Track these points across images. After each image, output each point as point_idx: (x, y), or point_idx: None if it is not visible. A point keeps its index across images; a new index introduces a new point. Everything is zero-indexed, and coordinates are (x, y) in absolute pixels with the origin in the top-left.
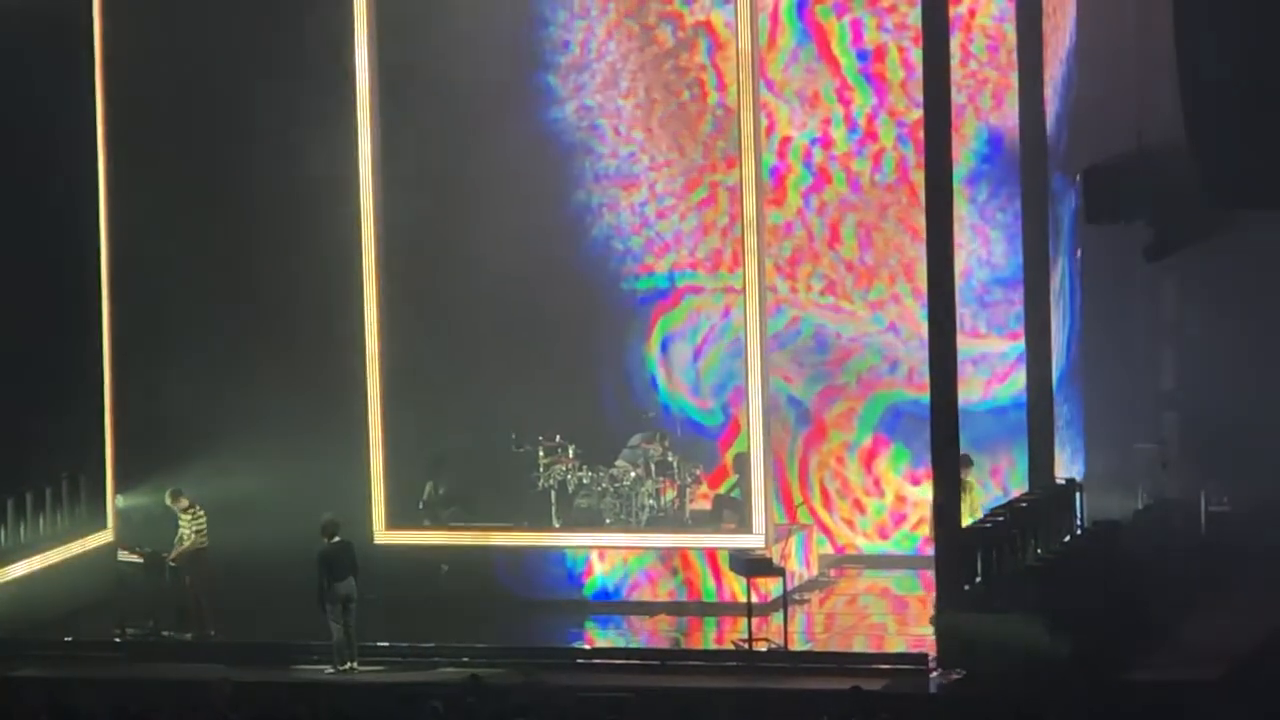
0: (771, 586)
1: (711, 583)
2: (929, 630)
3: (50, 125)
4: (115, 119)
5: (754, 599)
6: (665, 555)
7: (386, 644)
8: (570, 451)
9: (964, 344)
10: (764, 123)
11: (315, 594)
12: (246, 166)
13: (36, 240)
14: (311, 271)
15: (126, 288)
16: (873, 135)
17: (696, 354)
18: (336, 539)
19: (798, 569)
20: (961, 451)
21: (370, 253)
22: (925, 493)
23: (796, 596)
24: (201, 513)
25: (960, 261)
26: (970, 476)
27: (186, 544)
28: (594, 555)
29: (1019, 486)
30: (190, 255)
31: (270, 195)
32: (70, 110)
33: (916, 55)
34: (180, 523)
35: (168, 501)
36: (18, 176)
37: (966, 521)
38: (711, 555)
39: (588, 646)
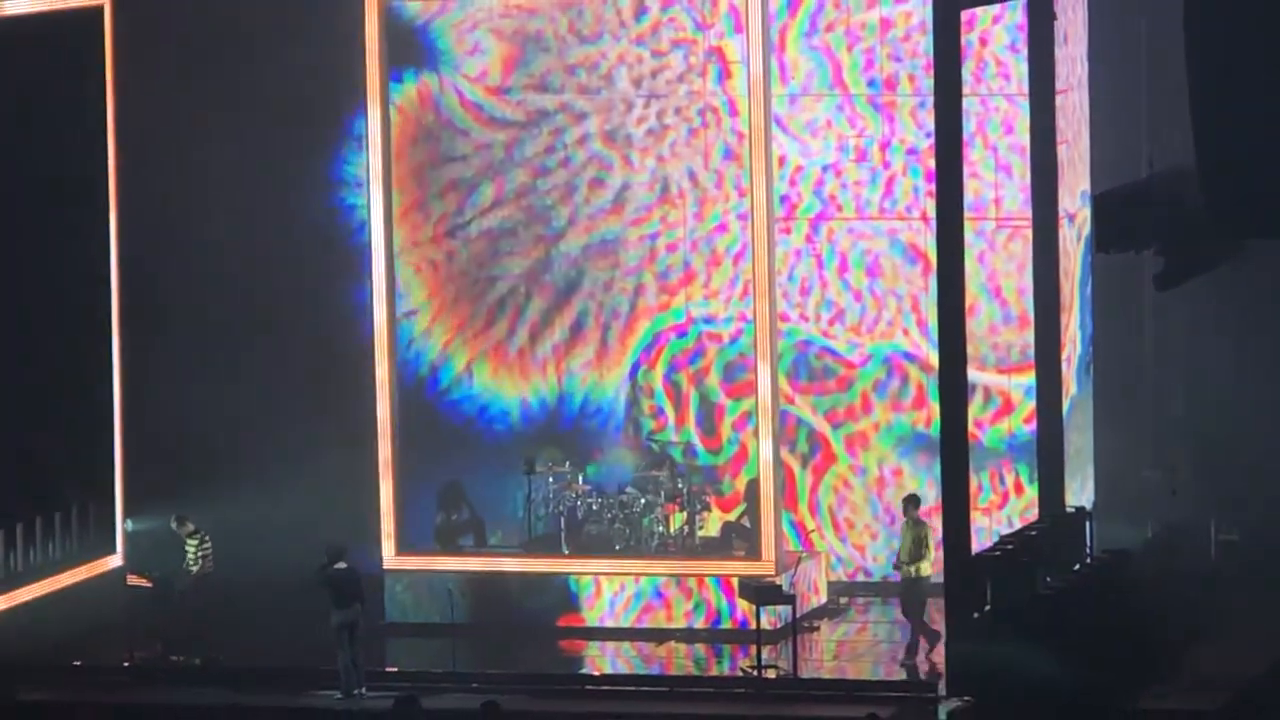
0: (780, 613)
1: (725, 608)
2: (938, 657)
3: (62, 149)
4: (126, 141)
5: (764, 625)
6: (679, 581)
7: (395, 670)
8: (580, 478)
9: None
10: (776, 151)
11: (324, 618)
12: (256, 191)
13: (47, 266)
14: (323, 297)
15: (138, 313)
16: (884, 163)
17: (705, 380)
18: (342, 564)
19: (806, 593)
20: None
21: (381, 278)
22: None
23: (806, 623)
24: (206, 537)
25: (970, 293)
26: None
27: (195, 569)
28: (603, 581)
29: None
30: (201, 280)
31: (281, 221)
32: (82, 135)
33: (927, 83)
34: (186, 548)
35: (173, 526)
36: (29, 206)
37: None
38: (726, 581)
39: (596, 673)
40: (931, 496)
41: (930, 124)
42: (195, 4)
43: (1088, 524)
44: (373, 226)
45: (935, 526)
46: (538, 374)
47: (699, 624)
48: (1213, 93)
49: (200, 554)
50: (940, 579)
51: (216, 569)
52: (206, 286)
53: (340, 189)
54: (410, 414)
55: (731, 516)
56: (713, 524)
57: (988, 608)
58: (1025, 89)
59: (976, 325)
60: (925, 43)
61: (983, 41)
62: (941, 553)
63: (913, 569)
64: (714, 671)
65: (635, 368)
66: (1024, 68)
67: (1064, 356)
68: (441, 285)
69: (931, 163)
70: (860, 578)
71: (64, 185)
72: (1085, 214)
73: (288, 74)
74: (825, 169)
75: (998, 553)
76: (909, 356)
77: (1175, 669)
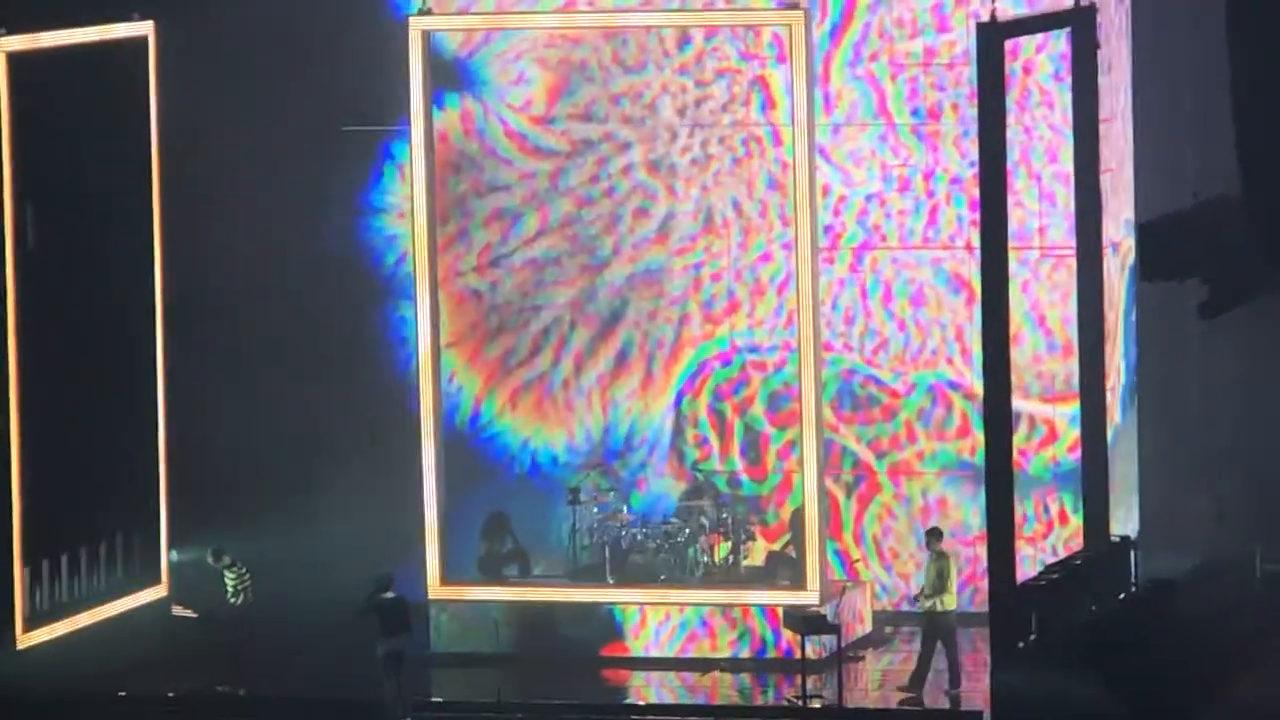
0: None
1: (769, 638)
2: (984, 687)
3: (107, 177)
4: (169, 170)
5: (809, 655)
6: (724, 610)
7: (440, 700)
8: (625, 508)
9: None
10: (820, 180)
11: (369, 648)
12: (300, 228)
13: (92, 299)
14: (365, 327)
15: (182, 343)
16: (928, 192)
17: (749, 409)
18: (389, 594)
19: (851, 623)
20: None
21: (425, 307)
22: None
23: (851, 653)
24: (246, 570)
25: (1014, 322)
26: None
27: (235, 601)
28: (647, 610)
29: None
30: (245, 312)
31: (323, 250)
32: (127, 164)
33: (971, 112)
34: (225, 581)
35: (209, 560)
36: (73, 238)
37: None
38: (771, 611)
39: (641, 703)
40: (976, 525)
41: (974, 153)
42: (237, 33)
43: (1132, 553)
44: (416, 256)
45: (980, 555)
46: (582, 404)
47: (744, 654)
48: (1258, 120)
49: (240, 586)
50: (963, 611)
51: (262, 599)
52: (250, 317)
53: (381, 217)
54: (454, 444)
55: (776, 546)
56: (757, 553)
57: (1032, 637)
58: (1069, 118)
59: (1021, 354)
60: (969, 72)
61: (1026, 70)
62: (986, 582)
63: (935, 602)
64: (759, 701)
65: (680, 397)
66: (1068, 96)
67: (1108, 385)
68: (485, 315)
69: (975, 192)
70: (905, 607)
71: (109, 215)
72: (1129, 243)
73: (328, 101)
74: (869, 198)
75: (1042, 582)
76: (953, 385)
77: (1219, 699)
